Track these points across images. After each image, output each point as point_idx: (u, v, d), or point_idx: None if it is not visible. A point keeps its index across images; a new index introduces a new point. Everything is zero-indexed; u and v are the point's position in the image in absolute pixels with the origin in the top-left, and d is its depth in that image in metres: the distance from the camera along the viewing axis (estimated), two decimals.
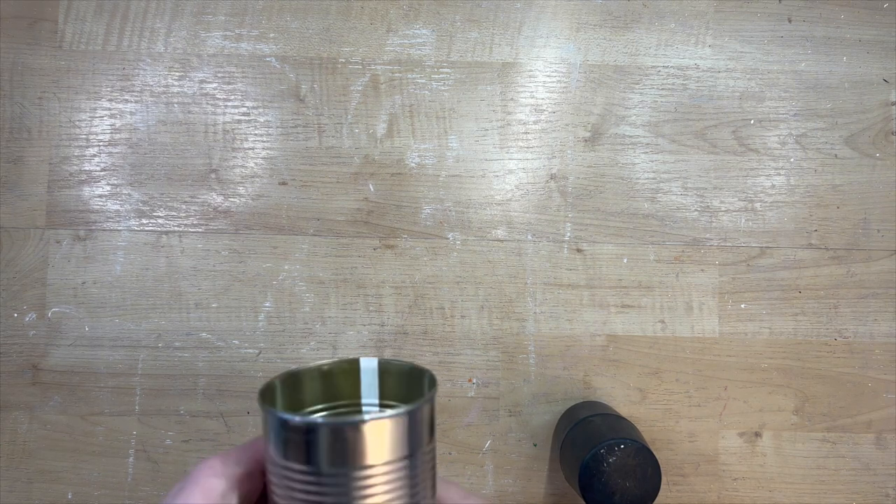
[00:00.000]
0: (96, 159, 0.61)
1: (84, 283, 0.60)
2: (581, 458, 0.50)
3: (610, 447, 0.49)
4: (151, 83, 0.61)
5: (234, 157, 0.61)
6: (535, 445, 0.60)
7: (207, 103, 0.61)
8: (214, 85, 0.61)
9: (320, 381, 0.32)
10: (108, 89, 0.61)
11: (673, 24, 0.62)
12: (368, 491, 0.27)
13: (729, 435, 0.60)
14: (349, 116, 0.61)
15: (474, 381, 0.60)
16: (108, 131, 0.61)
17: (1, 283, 0.60)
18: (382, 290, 0.60)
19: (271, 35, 0.61)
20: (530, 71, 0.62)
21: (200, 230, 0.60)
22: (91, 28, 0.61)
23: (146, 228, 0.60)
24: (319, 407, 0.33)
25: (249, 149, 0.61)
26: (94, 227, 0.60)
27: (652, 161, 0.61)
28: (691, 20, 0.62)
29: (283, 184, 0.61)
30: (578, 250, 0.61)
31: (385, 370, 0.33)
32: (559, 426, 0.58)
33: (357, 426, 0.27)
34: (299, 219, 0.60)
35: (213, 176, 0.61)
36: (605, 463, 0.49)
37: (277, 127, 0.61)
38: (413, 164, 0.61)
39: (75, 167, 0.60)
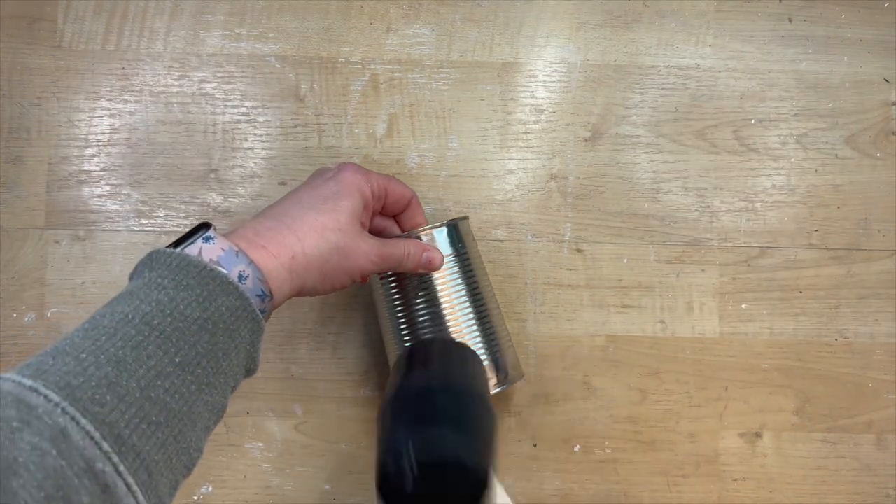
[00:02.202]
0: (95, 159, 0.60)
1: (83, 283, 0.60)
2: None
3: (397, 470, 0.37)
4: (151, 83, 0.61)
5: (233, 157, 0.61)
6: (534, 446, 0.60)
7: (207, 103, 0.61)
8: (214, 85, 0.61)
9: None
10: (108, 89, 0.61)
11: (673, 24, 0.62)
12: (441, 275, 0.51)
13: (729, 435, 0.60)
14: (349, 116, 0.61)
15: None
16: (108, 131, 0.61)
17: (0, 283, 0.60)
18: None
19: (271, 35, 0.61)
20: (530, 70, 0.61)
21: None
22: (90, 28, 0.61)
23: (145, 228, 0.60)
24: None
25: (249, 149, 0.61)
26: (93, 228, 0.60)
27: (652, 161, 0.61)
28: (692, 20, 0.62)
29: (283, 184, 0.61)
30: (578, 250, 0.61)
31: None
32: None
33: (419, 234, 0.51)
34: None
35: (212, 176, 0.61)
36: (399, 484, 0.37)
37: (277, 127, 0.61)
38: (413, 164, 0.61)
39: (74, 167, 0.60)
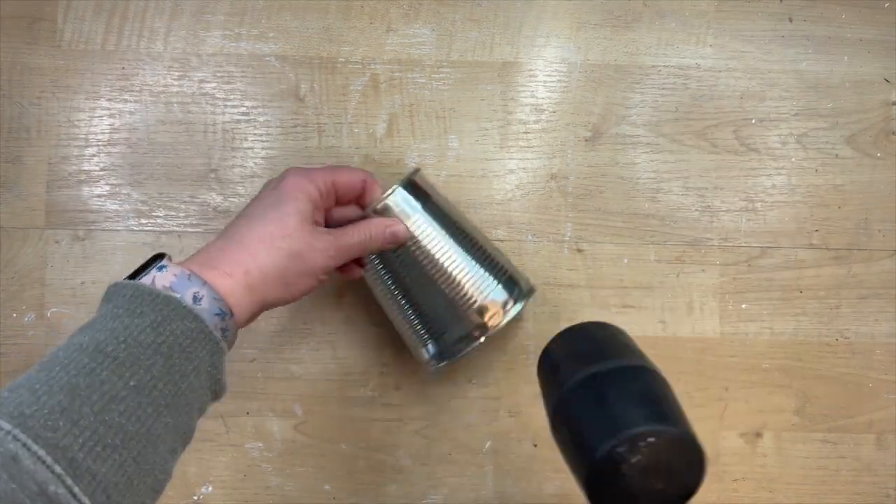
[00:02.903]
0: (95, 159, 0.60)
1: (83, 283, 0.60)
2: (588, 453, 0.33)
3: (633, 441, 0.32)
4: (151, 83, 0.61)
5: (233, 156, 0.61)
6: (535, 446, 0.60)
7: (207, 103, 0.61)
8: (214, 84, 0.61)
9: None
10: (108, 89, 0.61)
11: (674, 24, 0.62)
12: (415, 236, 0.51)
13: (730, 435, 0.60)
14: (349, 116, 0.61)
15: (474, 381, 0.60)
16: (108, 131, 0.61)
17: (0, 283, 0.59)
18: None
19: (271, 34, 0.61)
20: (531, 70, 0.61)
21: (200, 230, 0.60)
22: (90, 27, 0.61)
23: (145, 228, 0.60)
24: None
25: (249, 148, 0.61)
26: (93, 227, 0.60)
27: (652, 161, 0.61)
28: (692, 19, 0.62)
29: None
30: (579, 250, 0.61)
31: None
32: (550, 373, 0.40)
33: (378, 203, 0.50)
34: None
35: (212, 176, 0.60)
36: (625, 464, 0.32)
37: (277, 127, 0.61)
38: (413, 164, 0.61)
39: (74, 167, 0.60)
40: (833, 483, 0.60)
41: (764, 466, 0.60)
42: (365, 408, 0.60)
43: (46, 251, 0.60)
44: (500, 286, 0.52)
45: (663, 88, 0.62)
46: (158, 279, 0.40)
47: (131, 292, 0.38)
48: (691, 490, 0.33)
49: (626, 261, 0.61)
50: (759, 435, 0.60)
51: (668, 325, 0.60)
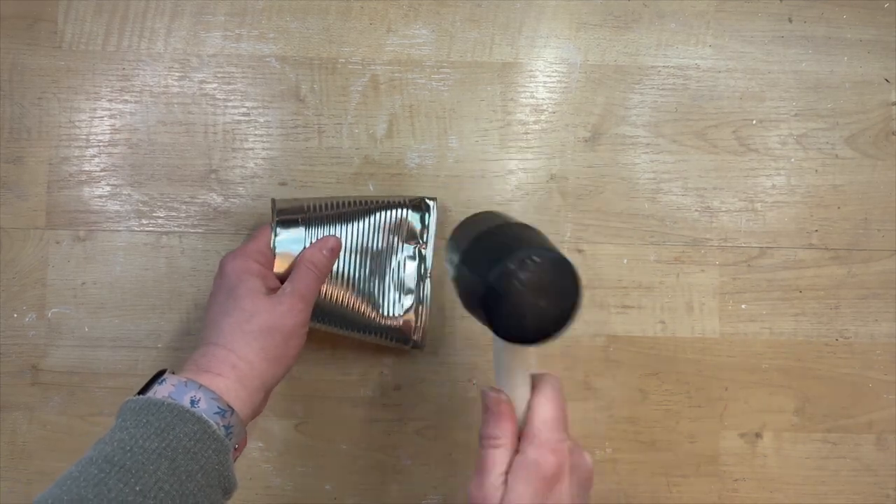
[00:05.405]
0: (96, 160, 0.60)
1: (84, 283, 0.60)
2: (485, 276, 0.39)
3: (521, 261, 0.38)
4: (151, 83, 0.61)
5: (233, 157, 0.61)
6: None
7: (207, 104, 0.61)
8: (214, 85, 0.61)
9: None
10: (108, 90, 0.61)
11: (673, 24, 0.62)
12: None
13: (729, 436, 0.60)
14: (349, 117, 0.61)
15: (474, 381, 0.60)
16: (108, 132, 0.61)
17: (1, 283, 0.60)
18: None
19: (271, 35, 0.61)
20: (530, 71, 0.61)
21: (200, 231, 0.60)
22: (91, 28, 0.61)
23: (146, 229, 0.60)
24: None
25: (249, 149, 0.61)
26: (93, 228, 0.60)
27: (652, 161, 0.61)
28: (692, 20, 0.62)
29: (283, 184, 0.61)
30: (578, 251, 0.61)
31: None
32: (454, 244, 0.46)
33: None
34: None
35: (212, 176, 0.61)
36: (516, 280, 0.38)
37: (277, 127, 0.61)
38: (413, 165, 0.61)
39: (75, 168, 0.60)
40: (833, 483, 0.60)
41: (764, 466, 0.60)
42: (365, 408, 0.60)
43: (47, 252, 0.60)
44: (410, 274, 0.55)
45: (663, 89, 0.62)
46: (160, 391, 0.42)
47: (139, 406, 0.41)
48: (568, 311, 0.39)
49: (625, 261, 0.61)
50: (758, 435, 0.60)
51: (667, 325, 0.60)
